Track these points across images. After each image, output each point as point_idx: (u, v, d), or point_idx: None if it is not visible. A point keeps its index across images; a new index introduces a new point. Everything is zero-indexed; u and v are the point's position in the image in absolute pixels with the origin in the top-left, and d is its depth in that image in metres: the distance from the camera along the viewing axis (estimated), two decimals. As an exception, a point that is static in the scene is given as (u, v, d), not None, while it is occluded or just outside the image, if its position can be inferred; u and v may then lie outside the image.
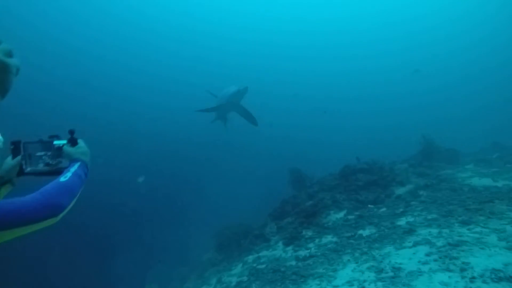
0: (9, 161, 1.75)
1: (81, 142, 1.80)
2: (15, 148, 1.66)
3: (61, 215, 1.33)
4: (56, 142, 1.73)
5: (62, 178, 1.44)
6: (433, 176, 7.99)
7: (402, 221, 5.81)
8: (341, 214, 7.27)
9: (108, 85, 33.31)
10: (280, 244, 7.09)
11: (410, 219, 5.76)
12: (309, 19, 42.19)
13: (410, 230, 5.11)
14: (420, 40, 37.18)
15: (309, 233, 6.93)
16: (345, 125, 27.11)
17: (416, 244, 4.55)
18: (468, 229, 4.53)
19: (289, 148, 23.35)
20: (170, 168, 20.97)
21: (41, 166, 1.67)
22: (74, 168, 1.57)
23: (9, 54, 1.08)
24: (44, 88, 29.42)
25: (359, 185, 7.95)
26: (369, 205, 7.40)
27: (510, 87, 25.67)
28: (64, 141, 1.75)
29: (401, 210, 6.45)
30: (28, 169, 1.67)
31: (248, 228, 9.65)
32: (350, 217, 7.02)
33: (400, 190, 7.64)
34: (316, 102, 29.02)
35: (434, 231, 4.78)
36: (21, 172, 1.67)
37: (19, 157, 1.67)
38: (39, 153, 1.68)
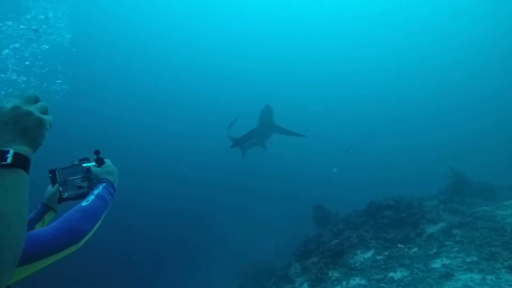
0: (50, 189, 1.87)
1: (107, 162, 1.82)
2: (53, 176, 1.73)
3: (83, 241, 1.31)
4: (84, 165, 1.77)
5: (84, 202, 1.44)
6: (468, 213, 7.48)
7: (437, 264, 5.38)
8: (369, 254, 6.85)
9: (121, 112, 34.03)
10: (306, 286, 6.70)
11: (446, 261, 5.33)
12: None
13: (447, 275, 4.71)
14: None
15: (335, 274, 6.53)
16: (366, 160, 26.43)
17: (456, 291, 4.16)
18: (515, 275, 4.11)
19: (311, 184, 22.89)
20: (187, 204, 20.77)
21: (75, 190, 1.72)
22: (98, 190, 1.57)
23: (45, 111, 1.16)
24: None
25: (386, 222, 7.55)
26: (399, 245, 6.95)
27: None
28: (93, 163, 1.79)
29: (435, 250, 6.00)
30: (66, 194, 1.72)
31: (272, 267, 9.26)
32: (378, 257, 6.59)
33: (431, 229, 7.16)
34: (331, 139, 28.76)
35: (476, 277, 4.37)
36: (60, 199, 1.74)
37: (57, 185, 1.74)
38: (72, 178, 1.73)
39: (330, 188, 20.72)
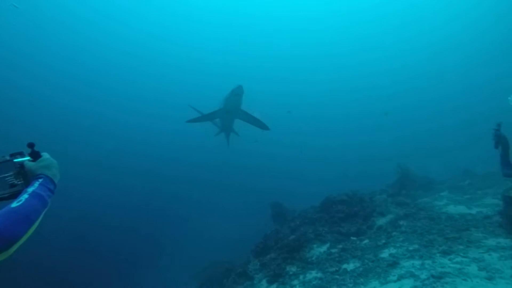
0: None
1: (45, 155, 1.64)
2: None
3: (14, 248, 1.16)
4: (17, 160, 1.58)
5: (15, 203, 1.27)
6: (412, 205, 8.15)
7: (385, 253, 5.79)
8: (325, 248, 7.16)
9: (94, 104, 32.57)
10: (264, 282, 6.81)
11: (393, 250, 5.76)
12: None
13: (393, 263, 5.09)
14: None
15: (293, 269, 6.73)
16: (322, 155, 27.50)
17: (400, 277, 4.51)
18: (449, 260, 4.56)
19: (268, 177, 23.29)
20: (144, 199, 20.18)
21: (8, 189, 1.53)
22: (33, 187, 1.41)
23: None
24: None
25: (340, 217, 7.94)
26: (352, 237, 7.36)
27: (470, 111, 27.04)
28: (27, 157, 1.61)
29: (383, 241, 6.44)
30: None
31: (230, 265, 9.26)
32: (333, 250, 6.92)
33: (381, 221, 7.69)
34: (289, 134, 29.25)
35: (417, 262, 4.78)
36: None
37: None
38: (3, 175, 1.54)
39: (289, 182, 21.28)
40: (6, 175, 1.55)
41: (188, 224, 17.00)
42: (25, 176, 1.55)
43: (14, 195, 1.49)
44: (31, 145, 1.61)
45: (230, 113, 10.26)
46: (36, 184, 1.44)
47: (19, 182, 1.55)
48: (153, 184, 22.65)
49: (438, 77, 35.84)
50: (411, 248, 5.48)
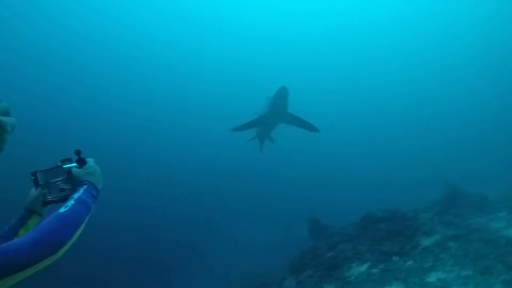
0: (33, 192, 1.77)
1: (90, 162, 1.73)
2: (35, 178, 1.67)
3: (61, 252, 1.22)
4: (65, 166, 1.70)
5: (62, 209, 1.34)
6: (462, 225, 7.46)
7: (432, 277, 5.32)
8: (364, 267, 6.77)
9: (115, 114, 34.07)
10: (300, 301, 6.58)
11: (442, 275, 5.28)
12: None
13: (443, 289, 4.65)
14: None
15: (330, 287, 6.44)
16: (362, 167, 26.32)
17: (451, 306, 4.10)
18: (511, 290, 4.07)
19: (302, 187, 22.73)
20: (173, 208, 20.54)
21: (58, 193, 1.66)
22: (78, 193, 1.49)
23: (6, 113, 1.12)
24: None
25: (381, 235, 7.50)
26: (394, 257, 6.89)
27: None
28: (74, 164, 1.72)
29: (430, 264, 5.94)
30: (49, 197, 1.67)
31: (265, 280, 9.10)
32: (374, 270, 6.51)
33: (426, 241, 7.11)
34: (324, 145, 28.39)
35: (471, 291, 4.32)
36: (45, 202, 1.69)
37: (40, 187, 1.68)
38: (54, 180, 1.67)
39: (327, 193, 20.56)
40: (57, 179, 1.68)
41: (223, 233, 17.08)
42: (73, 181, 1.66)
43: (63, 199, 1.61)
44: (77, 153, 1.71)
45: (276, 117, 9.53)
46: (81, 190, 1.52)
47: (67, 187, 1.66)
48: (187, 193, 23.15)
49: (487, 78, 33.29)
50: (463, 274, 4.98)
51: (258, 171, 24.43)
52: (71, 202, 1.40)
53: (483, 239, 6.29)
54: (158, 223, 18.09)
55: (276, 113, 9.25)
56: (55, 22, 33.72)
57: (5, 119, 1.07)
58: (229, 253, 14.64)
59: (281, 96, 8.54)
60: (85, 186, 1.56)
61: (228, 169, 26.97)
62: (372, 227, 7.90)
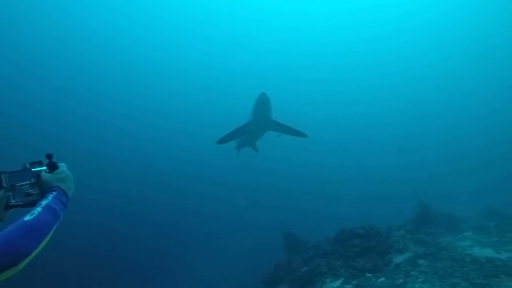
0: None
1: (61, 166, 1.63)
2: None
3: (23, 263, 1.13)
4: (35, 169, 1.59)
5: (28, 216, 1.26)
6: (432, 243, 7.71)
7: (403, 294, 5.42)
8: (338, 283, 6.81)
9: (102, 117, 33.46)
10: (272, 316, 6.50)
11: (412, 292, 5.39)
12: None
13: (412, 306, 4.74)
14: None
15: (303, 304, 6.40)
16: (340, 180, 26.59)
17: (420, 323, 4.17)
18: (475, 308, 4.20)
19: (279, 195, 22.71)
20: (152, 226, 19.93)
21: (23, 197, 1.53)
22: (47, 200, 1.40)
23: None
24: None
25: (355, 251, 7.59)
26: (367, 274, 6.98)
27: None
28: (44, 167, 1.61)
29: (401, 281, 6.07)
30: (13, 201, 1.53)
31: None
32: (347, 286, 6.56)
33: (398, 258, 7.28)
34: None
35: (439, 308, 4.43)
36: (7, 206, 1.54)
37: (3, 190, 1.55)
38: (20, 183, 1.55)
39: (304, 204, 20.59)
40: (23, 183, 1.56)
41: (198, 241, 16.70)
42: (41, 186, 1.56)
43: (29, 204, 1.51)
44: (49, 156, 1.62)
45: (261, 125, 9.25)
46: (50, 197, 1.44)
47: (34, 192, 1.55)
48: (164, 196, 22.62)
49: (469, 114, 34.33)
50: (432, 291, 5.12)
51: (237, 178, 24.26)
52: (38, 210, 1.31)
53: (451, 257, 6.52)
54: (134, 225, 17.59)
55: (259, 121, 8.97)
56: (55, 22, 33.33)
57: None
58: (202, 264, 14.31)
59: (262, 103, 8.32)
60: (54, 193, 1.47)
61: (209, 175, 26.63)
62: (347, 243, 7.99)
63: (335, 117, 37.46)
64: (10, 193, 1.54)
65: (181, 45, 41.58)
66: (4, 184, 1.54)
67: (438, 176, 23.76)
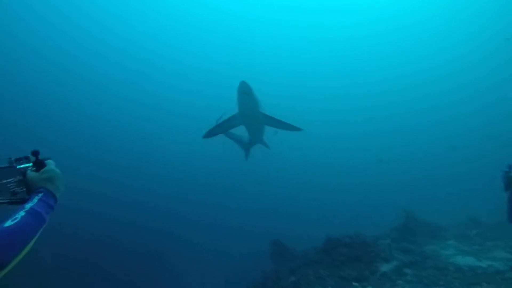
0: None
1: (49, 165, 1.50)
2: None
3: (3, 272, 1.06)
4: (20, 166, 1.47)
5: (9, 222, 1.15)
6: (417, 252, 7.84)
7: (389, 304, 5.46)
8: (325, 293, 6.80)
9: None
10: (259, 327, 6.40)
11: (398, 301, 5.44)
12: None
13: (399, 316, 4.78)
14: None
15: (291, 314, 6.35)
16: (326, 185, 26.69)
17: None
18: (459, 317, 4.28)
19: (271, 205, 22.60)
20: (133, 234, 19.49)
21: (9, 196, 1.42)
22: (31, 203, 1.30)
23: None
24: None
25: (342, 260, 7.61)
26: (354, 283, 7.00)
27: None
28: (30, 164, 1.49)
29: (388, 290, 6.12)
30: None
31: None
32: (334, 296, 6.56)
33: (384, 267, 7.35)
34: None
35: (425, 317, 4.48)
36: None
37: None
38: (6, 180, 1.43)
39: (291, 211, 20.53)
40: (9, 180, 1.45)
41: (184, 249, 16.36)
42: (27, 186, 1.45)
43: (16, 202, 1.41)
44: (35, 154, 1.51)
45: (248, 119, 8.34)
46: (35, 199, 1.34)
47: (20, 190, 1.45)
48: (150, 202, 22.17)
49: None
50: (417, 301, 5.18)
51: (225, 184, 24.03)
52: (21, 214, 1.22)
53: (435, 266, 6.64)
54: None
55: (245, 114, 8.06)
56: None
57: None
58: (187, 273, 14.03)
59: (243, 92, 7.36)
60: (40, 195, 1.37)
61: (195, 181, 26.24)
62: (334, 252, 8.00)
63: (321, 123, 37.64)
64: None
65: (181, 45, 41.10)
66: None
67: (421, 185, 24.24)
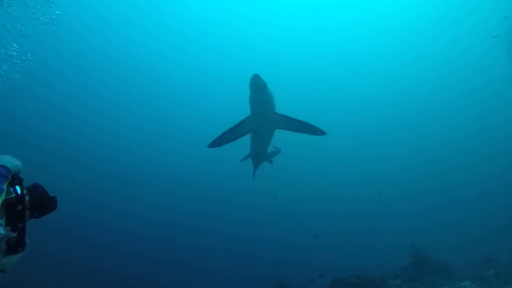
0: None
1: None
2: None
3: None
4: None
5: None
6: (430, 294, 7.36)
7: None
8: None
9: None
10: None
11: None
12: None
13: None
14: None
15: None
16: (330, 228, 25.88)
17: None
18: None
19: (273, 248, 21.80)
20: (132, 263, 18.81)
21: None
22: None
23: None
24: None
25: (350, 303, 7.19)
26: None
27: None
28: None
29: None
30: None
31: None
32: None
33: (395, 311, 6.89)
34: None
35: None
36: None
37: None
38: None
39: (294, 254, 19.72)
40: None
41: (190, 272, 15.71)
42: None
43: None
44: None
45: (262, 120, 7.00)
46: None
47: None
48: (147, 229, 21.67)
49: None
50: None
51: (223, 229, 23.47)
52: None
53: (450, 310, 6.18)
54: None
55: (258, 114, 6.77)
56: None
57: None
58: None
59: (258, 88, 6.12)
60: None
61: (196, 210, 25.67)
62: (341, 293, 7.60)
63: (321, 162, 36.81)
64: None
65: (182, 45, 39.91)
66: None
67: (433, 221, 23.38)
